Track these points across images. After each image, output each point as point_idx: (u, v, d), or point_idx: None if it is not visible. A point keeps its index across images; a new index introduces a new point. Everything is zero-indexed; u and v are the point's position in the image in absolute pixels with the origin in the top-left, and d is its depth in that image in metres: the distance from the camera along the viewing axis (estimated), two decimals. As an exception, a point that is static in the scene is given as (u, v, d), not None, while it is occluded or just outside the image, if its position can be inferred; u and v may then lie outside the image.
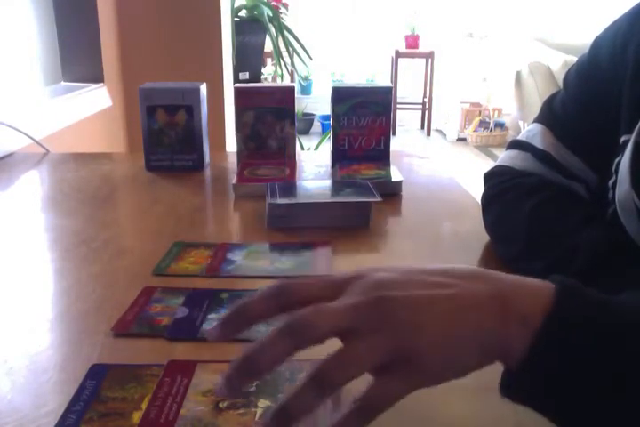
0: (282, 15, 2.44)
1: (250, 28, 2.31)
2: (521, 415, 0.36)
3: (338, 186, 0.95)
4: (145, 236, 0.85)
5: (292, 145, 1.10)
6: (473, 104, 5.41)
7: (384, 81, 5.57)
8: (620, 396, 0.35)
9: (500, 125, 5.21)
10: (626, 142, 0.61)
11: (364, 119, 1.07)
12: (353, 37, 5.67)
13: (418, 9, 5.44)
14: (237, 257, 0.74)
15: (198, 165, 1.12)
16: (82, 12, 1.76)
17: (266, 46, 2.51)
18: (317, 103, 5.40)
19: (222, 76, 1.98)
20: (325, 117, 5.14)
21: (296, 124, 1.09)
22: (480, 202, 0.78)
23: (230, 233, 0.89)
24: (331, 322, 0.35)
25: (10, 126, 1.27)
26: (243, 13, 2.37)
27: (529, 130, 0.75)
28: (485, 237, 0.77)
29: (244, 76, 2.36)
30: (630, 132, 0.60)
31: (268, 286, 0.39)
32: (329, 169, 1.10)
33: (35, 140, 1.31)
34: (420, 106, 5.70)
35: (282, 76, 2.69)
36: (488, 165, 3.92)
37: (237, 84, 1.10)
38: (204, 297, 0.63)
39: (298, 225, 0.84)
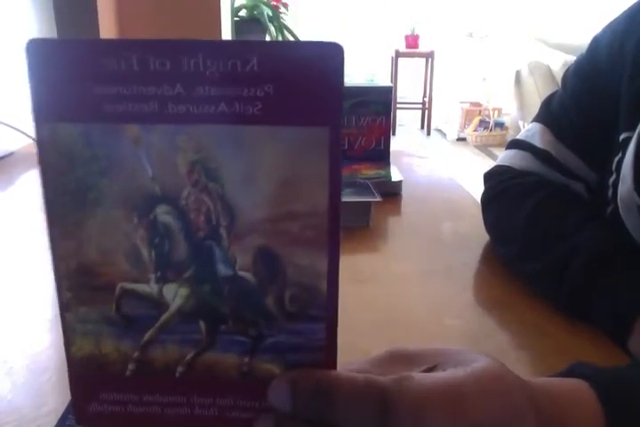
0: (282, 15, 2.44)
1: (250, 28, 2.31)
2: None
3: (338, 186, 0.95)
4: (145, 236, 0.85)
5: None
6: (473, 104, 5.41)
7: (384, 81, 5.57)
8: None
9: (499, 125, 5.21)
10: (626, 140, 0.60)
11: (363, 119, 1.06)
12: (353, 37, 5.67)
13: (418, 9, 5.44)
14: (237, 257, 0.74)
15: (198, 165, 1.12)
16: (82, 12, 1.76)
17: (266, 46, 2.50)
18: (317, 103, 5.39)
19: (222, 75, 1.98)
20: (325, 117, 5.12)
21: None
22: (480, 202, 0.78)
23: (230, 233, 0.89)
24: None
25: (10, 126, 1.27)
26: (243, 13, 2.37)
27: (528, 129, 0.76)
28: (485, 237, 0.77)
29: (244, 75, 2.36)
30: (630, 130, 0.60)
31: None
32: (329, 169, 1.10)
33: (35, 140, 1.31)
34: (420, 106, 5.70)
35: (282, 76, 2.69)
36: (488, 164, 3.91)
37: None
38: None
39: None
